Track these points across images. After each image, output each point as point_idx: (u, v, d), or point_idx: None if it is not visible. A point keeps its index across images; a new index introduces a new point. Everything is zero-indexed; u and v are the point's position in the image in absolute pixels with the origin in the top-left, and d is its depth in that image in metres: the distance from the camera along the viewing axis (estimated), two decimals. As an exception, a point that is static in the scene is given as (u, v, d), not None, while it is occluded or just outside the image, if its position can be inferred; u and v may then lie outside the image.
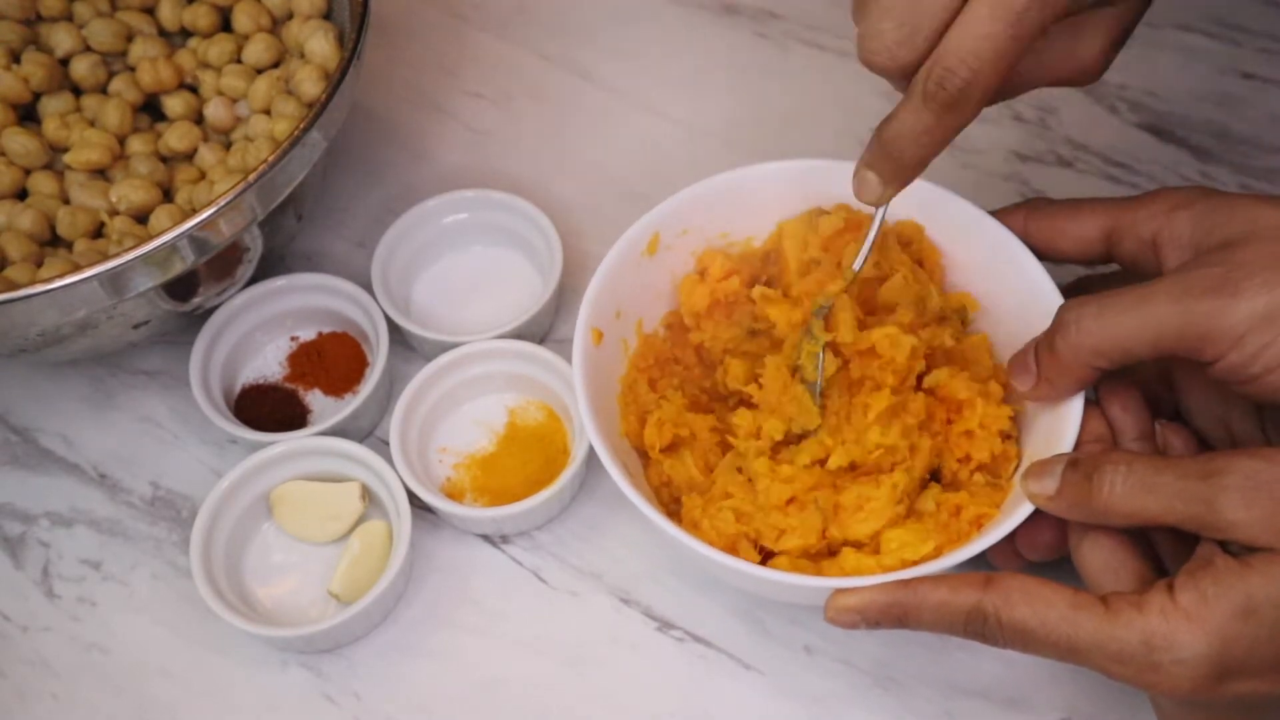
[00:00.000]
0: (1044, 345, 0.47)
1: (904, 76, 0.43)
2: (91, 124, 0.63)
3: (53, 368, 0.65)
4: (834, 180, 0.54)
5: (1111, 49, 0.47)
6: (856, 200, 0.48)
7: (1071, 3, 0.42)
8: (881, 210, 0.49)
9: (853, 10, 0.44)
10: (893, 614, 0.45)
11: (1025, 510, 0.46)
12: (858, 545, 0.50)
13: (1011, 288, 0.53)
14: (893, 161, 0.45)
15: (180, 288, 0.57)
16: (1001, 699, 0.53)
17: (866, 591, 0.45)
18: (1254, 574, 0.40)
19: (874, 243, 0.50)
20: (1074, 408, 0.48)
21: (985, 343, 0.55)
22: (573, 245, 0.66)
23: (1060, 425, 0.48)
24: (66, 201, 0.61)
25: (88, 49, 0.64)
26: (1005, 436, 0.52)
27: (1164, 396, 0.50)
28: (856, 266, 0.50)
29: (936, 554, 0.48)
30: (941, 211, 0.55)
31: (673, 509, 0.53)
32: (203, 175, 0.62)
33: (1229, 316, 0.41)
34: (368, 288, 0.62)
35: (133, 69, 0.64)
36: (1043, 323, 0.47)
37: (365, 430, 0.62)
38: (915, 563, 0.48)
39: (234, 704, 0.55)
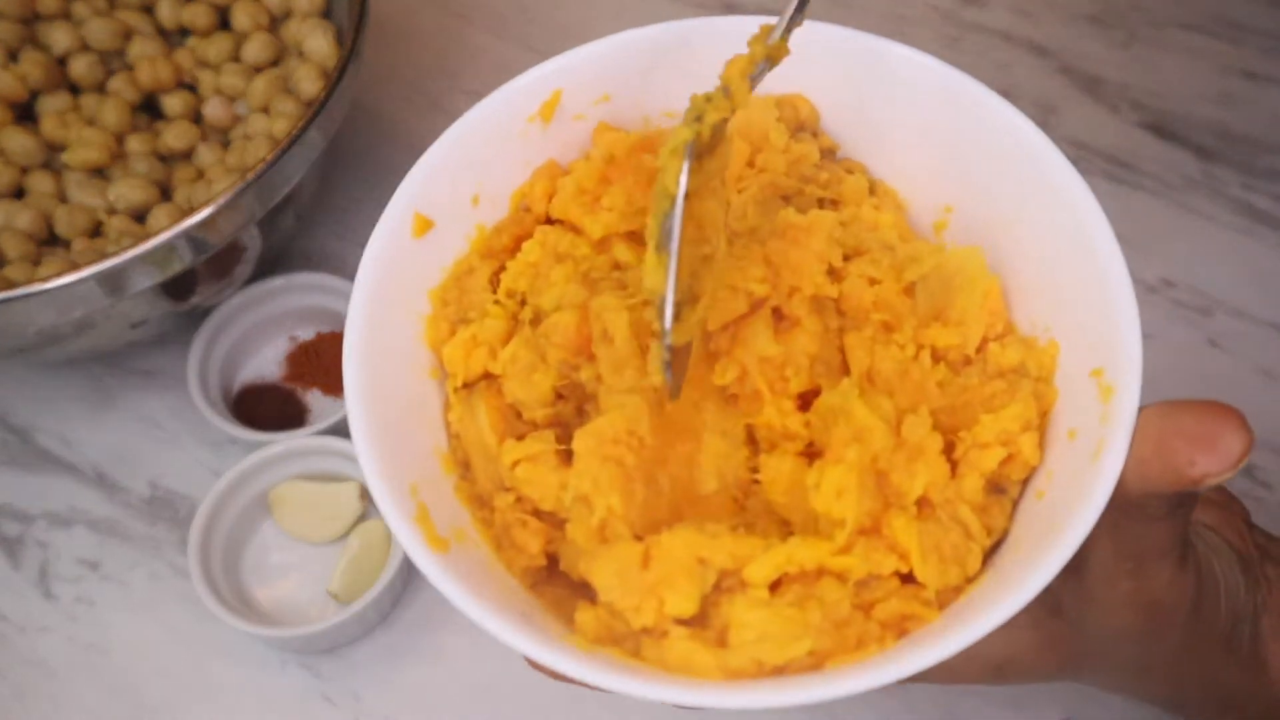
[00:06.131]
0: None
1: None
2: (90, 123, 0.63)
3: (51, 367, 0.65)
4: (818, 42, 0.38)
5: None
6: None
7: None
8: None
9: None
10: None
11: (994, 617, 0.29)
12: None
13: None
14: None
15: (178, 287, 0.57)
16: (1002, 699, 0.53)
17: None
18: None
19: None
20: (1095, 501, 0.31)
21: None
22: (572, 244, 0.66)
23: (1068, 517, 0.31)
24: (64, 200, 0.61)
25: (86, 48, 0.64)
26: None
27: None
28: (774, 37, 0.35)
29: (815, 663, 0.31)
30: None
31: (464, 474, 0.37)
32: (201, 174, 0.62)
33: None
34: (367, 287, 0.62)
35: (131, 68, 0.64)
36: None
37: (364, 430, 0.62)
38: (776, 668, 0.31)
39: (232, 704, 0.55)
